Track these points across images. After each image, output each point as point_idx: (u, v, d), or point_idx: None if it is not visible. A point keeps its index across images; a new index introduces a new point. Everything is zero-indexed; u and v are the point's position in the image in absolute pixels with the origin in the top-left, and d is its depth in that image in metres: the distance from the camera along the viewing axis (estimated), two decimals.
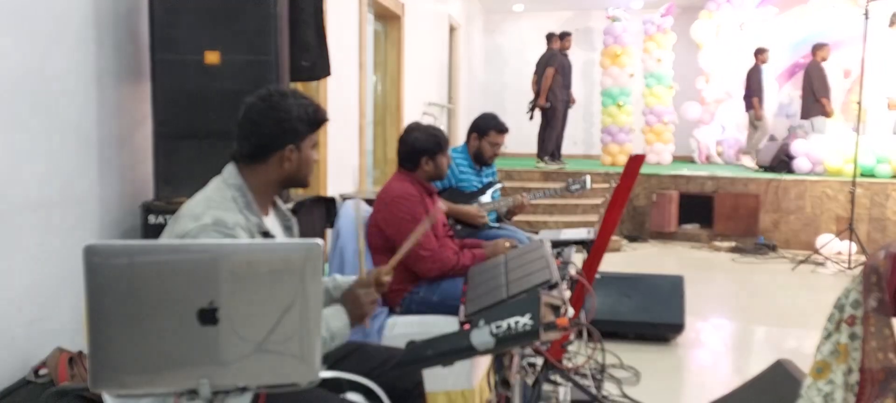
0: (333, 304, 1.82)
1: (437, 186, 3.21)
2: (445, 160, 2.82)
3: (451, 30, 9.43)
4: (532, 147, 8.74)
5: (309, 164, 1.78)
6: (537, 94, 8.22)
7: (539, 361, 2.50)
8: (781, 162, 7.75)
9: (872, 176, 7.17)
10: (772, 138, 9.02)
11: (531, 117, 8.41)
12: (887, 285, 1.15)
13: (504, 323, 1.40)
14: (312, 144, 1.78)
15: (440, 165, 2.80)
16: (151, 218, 2.63)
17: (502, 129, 3.63)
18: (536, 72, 8.34)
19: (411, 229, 2.62)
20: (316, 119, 1.76)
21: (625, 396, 3.14)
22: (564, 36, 8.30)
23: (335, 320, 1.62)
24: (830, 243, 6.31)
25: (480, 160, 3.65)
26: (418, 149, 2.75)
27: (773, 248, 6.89)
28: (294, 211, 2.76)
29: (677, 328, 3.89)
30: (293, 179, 1.78)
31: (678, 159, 9.56)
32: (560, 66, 8.15)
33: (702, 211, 7.44)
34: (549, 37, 8.39)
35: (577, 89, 8.99)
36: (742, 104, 8.83)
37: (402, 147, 2.81)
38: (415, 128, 2.83)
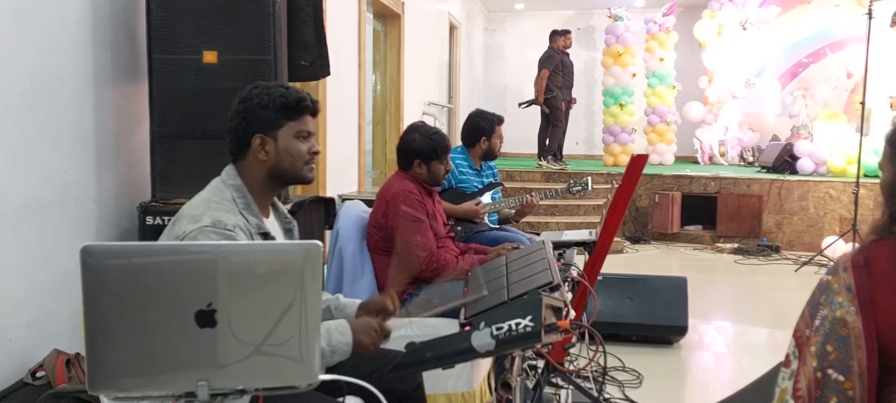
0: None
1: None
2: (442, 167, 2.76)
3: (452, 28, 9.40)
4: (532, 147, 8.72)
5: (294, 155, 1.67)
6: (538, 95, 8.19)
7: (540, 363, 2.48)
8: (785, 162, 7.72)
9: (876, 177, 7.12)
10: (774, 138, 8.97)
11: (524, 106, 8.37)
12: (857, 292, 1.14)
13: (505, 325, 1.39)
14: (295, 133, 1.66)
15: (435, 171, 2.74)
16: (149, 219, 2.61)
17: (501, 119, 3.70)
18: (538, 73, 8.32)
19: (411, 227, 2.62)
20: (287, 105, 1.64)
21: (627, 399, 3.12)
22: (564, 34, 8.21)
23: (339, 335, 1.56)
24: (835, 244, 6.28)
25: (491, 156, 3.70)
26: (412, 150, 2.73)
27: (776, 250, 6.87)
28: (293, 212, 2.75)
29: (681, 330, 3.85)
30: (280, 173, 1.68)
31: (681, 159, 9.53)
32: (560, 66, 8.10)
33: (705, 212, 7.41)
34: (553, 35, 8.35)
35: (578, 89, 8.96)
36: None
37: (399, 145, 2.79)
38: (415, 128, 2.81)
